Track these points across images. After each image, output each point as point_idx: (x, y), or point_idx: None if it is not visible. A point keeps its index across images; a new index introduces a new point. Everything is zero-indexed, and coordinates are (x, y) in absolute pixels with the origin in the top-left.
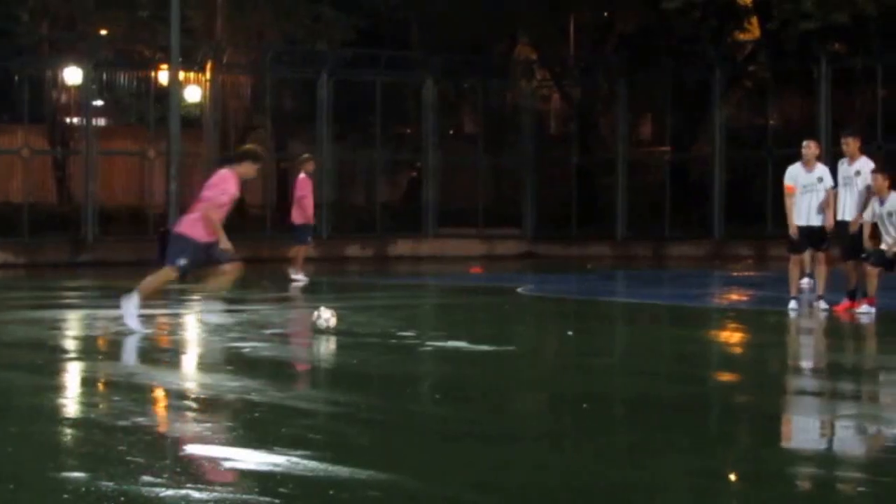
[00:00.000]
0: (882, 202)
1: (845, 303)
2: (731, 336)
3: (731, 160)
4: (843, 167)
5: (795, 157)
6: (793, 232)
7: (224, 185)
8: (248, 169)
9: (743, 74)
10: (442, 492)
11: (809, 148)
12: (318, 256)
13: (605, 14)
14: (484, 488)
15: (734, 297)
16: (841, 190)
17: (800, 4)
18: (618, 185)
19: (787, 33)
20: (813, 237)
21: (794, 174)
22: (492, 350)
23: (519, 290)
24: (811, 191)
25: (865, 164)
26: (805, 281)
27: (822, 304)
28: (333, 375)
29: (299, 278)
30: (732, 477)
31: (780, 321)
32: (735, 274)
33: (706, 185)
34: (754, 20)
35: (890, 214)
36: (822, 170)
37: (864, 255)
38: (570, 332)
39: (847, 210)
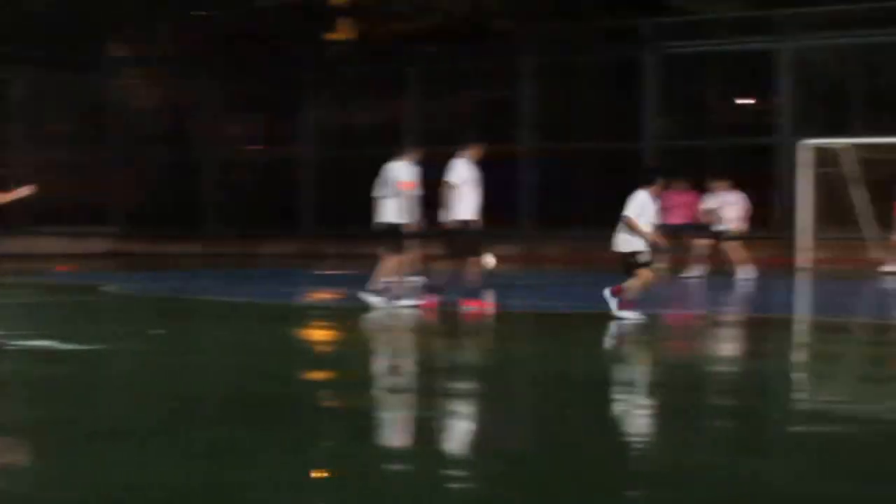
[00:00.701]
0: None
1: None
2: (321, 333)
3: (324, 160)
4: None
5: (387, 156)
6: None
7: None
8: None
9: (335, 75)
10: (40, 493)
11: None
12: None
13: (202, 13)
14: (75, 486)
15: (324, 294)
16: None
17: (392, 6)
18: (211, 183)
19: (378, 34)
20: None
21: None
22: (80, 349)
23: (106, 288)
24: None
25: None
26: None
27: (403, 302)
28: None
29: None
30: (325, 473)
31: (367, 318)
32: (326, 272)
33: (299, 184)
34: (347, 21)
35: None
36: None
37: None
38: (160, 331)
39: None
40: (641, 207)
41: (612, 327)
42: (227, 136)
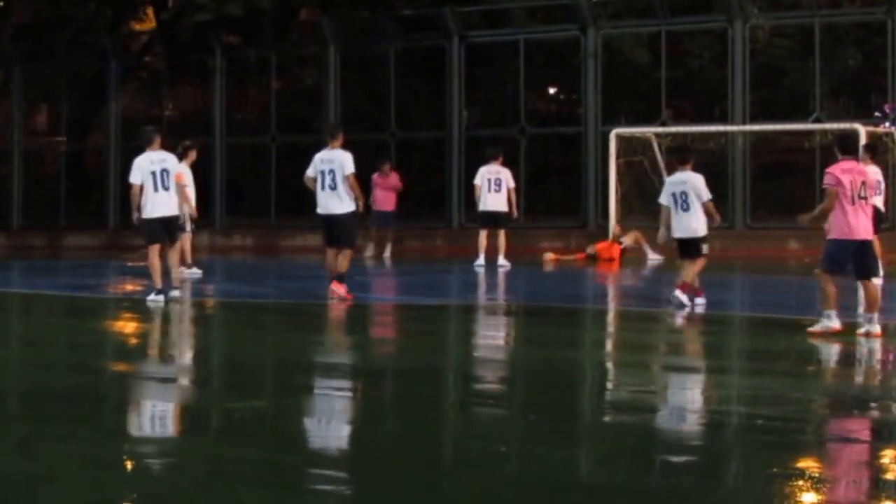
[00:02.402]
0: None
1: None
2: (126, 325)
3: (126, 151)
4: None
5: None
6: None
7: None
8: None
9: (139, 65)
10: None
11: None
12: None
13: (1, 3)
14: None
15: (128, 287)
16: None
17: None
18: (14, 175)
19: (181, 24)
20: None
21: None
22: None
23: None
24: None
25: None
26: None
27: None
28: None
29: None
30: (127, 464)
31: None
32: (130, 264)
33: (102, 176)
34: (150, 11)
35: None
36: None
37: None
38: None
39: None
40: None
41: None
42: (30, 127)
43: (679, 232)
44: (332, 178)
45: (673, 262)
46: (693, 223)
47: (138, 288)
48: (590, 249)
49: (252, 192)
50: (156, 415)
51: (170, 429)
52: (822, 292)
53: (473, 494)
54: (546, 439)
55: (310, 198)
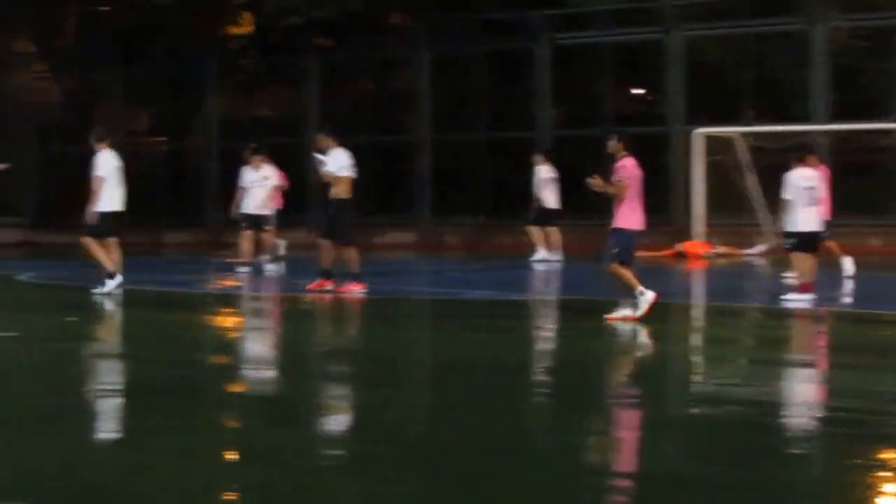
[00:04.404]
0: None
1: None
2: (224, 320)
3: (225, 151)
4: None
5: (290, 147)
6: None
7: None
8: None
9: (235, 68)
10: None
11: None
12: None
13: (102, 8)
14: None
15: (226, 282)
16: None
17: (288, 0)
18: None
19: (275, 27)
20: None
21: None
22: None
23: (20, 277)
24: None
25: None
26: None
27: None
28: None
29: None
30: (230, 456)
31: (274, 307)
32: (229, 261)
33: (200, 175)
34: (247, 15)
35: None
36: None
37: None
38: (72, 319)
39: None
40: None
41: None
42: (131, 129)
43: (807, 225)
44: None
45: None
46: (818, 217)
47: (236, 283)
48: (678, 247)
49: None
50: (257, 407)
51: (270, 420)
52: None
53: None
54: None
55: (402, 195)
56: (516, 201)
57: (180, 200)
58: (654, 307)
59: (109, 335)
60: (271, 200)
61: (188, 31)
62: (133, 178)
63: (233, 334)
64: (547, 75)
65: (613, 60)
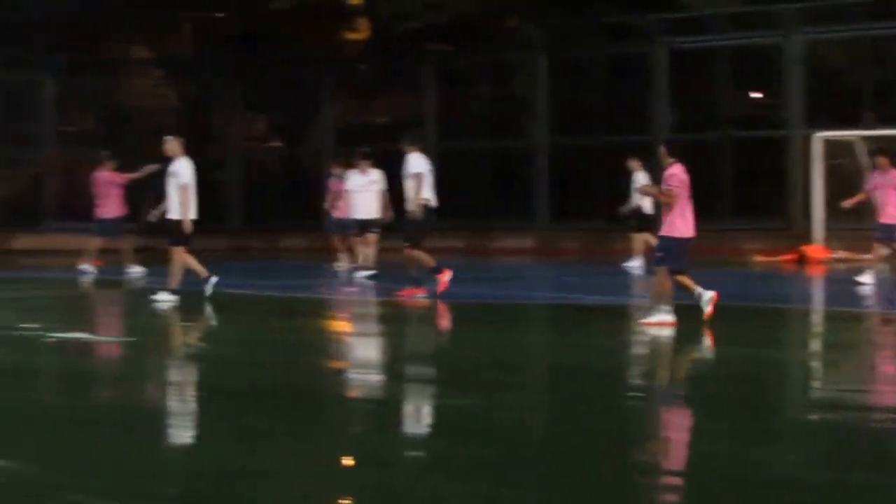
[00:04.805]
0: None
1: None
2: (338, 325)
3: (340, 156)
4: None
5: (399, 154)
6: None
7: None
8: None
9: (351, 73)
10: (59, 478)
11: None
12: None
13: (217, 14)
14: (97, 474)
15: (346, 287)
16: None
17: (402, 5)
18: (233, 179)
19: (392, 33)
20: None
21: None
22: (113, 341)
23: (140, 283)
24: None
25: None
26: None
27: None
28: None
29: None
30: (346, 461)
31: (401, 311)
32: (346, 266)
33: (317, 180)
34: (362, 20)
35: None
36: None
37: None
38: (188, 324)
39: None
40: None
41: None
42: (247, 135)
43: None
44: None
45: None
46: None
47: (353, 288)
48: (796, 252)
49: (463, 197)
50: (372, 411)
51: (386, 425)
52: None
53: None
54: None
55: (519, 201)
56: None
57: (297, 205)
58: (759, 312)
59: (223, 339)
60: (384, 206)
61: (304, 38)
62: (250, 184)
63: (347, 339)
64: (664, 79)
65: (731, 64)
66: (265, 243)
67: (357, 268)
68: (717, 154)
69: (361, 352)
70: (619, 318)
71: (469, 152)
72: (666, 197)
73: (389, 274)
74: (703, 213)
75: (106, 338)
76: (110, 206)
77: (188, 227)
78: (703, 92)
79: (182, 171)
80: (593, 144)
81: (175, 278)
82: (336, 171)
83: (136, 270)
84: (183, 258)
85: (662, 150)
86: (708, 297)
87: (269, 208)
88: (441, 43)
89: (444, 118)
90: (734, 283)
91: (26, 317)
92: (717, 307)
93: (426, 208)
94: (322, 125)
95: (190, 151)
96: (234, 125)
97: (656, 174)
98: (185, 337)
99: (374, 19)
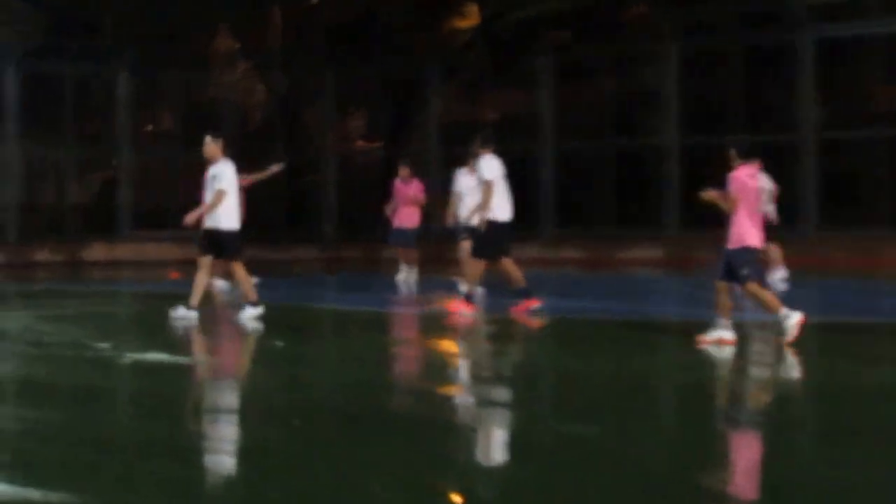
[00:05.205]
0: None
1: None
2: (441, 343)
3: (446, 156)
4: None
5: (515, 153)
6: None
7: None
8: None
9: (459, 65)
10: None
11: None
12: (5, 262)
13: (311, 3)
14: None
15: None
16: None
17: None
18: (327, 183)
19: (504, 21)
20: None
21: None
22: (193, 362)
23: (222, 296)
24: None
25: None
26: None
27: None
28: (21, 390)
29: None
30: (455, 498)
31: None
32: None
33: (424, 183)
34: (472, 8)
35: None
36: None
37: None
38: (279, 343)
39: None
40: None
41: None
42: (343, 134)
43: None
44: None
45: None
46: None
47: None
48: None
49: (584, 203)
50: (475, 439)
51: (491, 453)
52: None
53: None
54: None
55: (647, 206)
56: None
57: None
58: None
59: (322, 359)
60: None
61: (405, 27)
62: (346, 188)
63: (457, 358)
64: (811, 71)
65: (888, 54)
66: (361, 253)
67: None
68: (869, 154)
69: (476, 372)
70: (761, 337)
71: (590, 153)
72: (726, 202)
73: (498, 288)
74: (856, 219)
75: (190, 358)
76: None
77: (231, 237)
78: (854, 85)
79: (223, 175)
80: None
81: (247, 289)
82: (403, 173)
83: (221, 284)
84: (233, 272)
85: (732, 152)
86: (795, 319)
87: (366, 215)
88: (559, 32)
89: (563, 116)
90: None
91: (100, 335)
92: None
93: (493, 224)
94: (426, 123)
95: (279, 153)
96: (328, 123)
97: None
98: (275, 357)
99: (485, 5)
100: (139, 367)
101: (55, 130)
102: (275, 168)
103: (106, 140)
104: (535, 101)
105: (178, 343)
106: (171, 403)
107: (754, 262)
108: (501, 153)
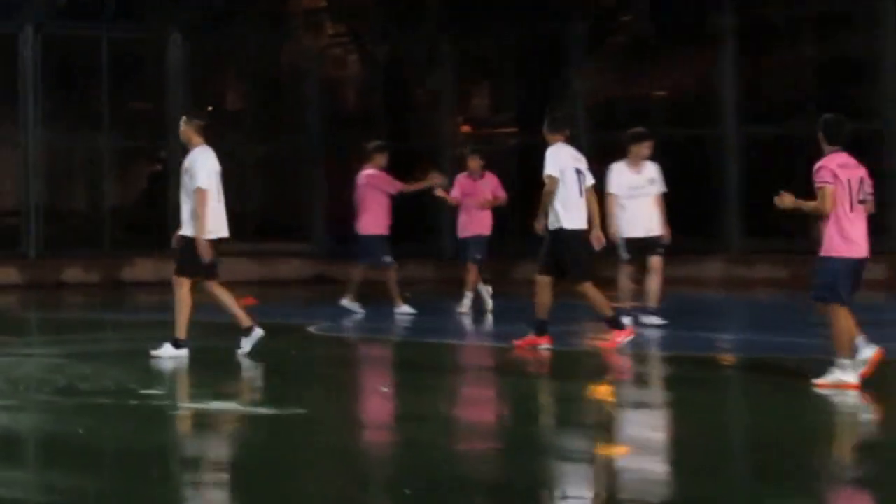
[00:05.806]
0: None
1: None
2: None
3: (597, 142)
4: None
5: (687, 139)
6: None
7: None
8: None
9: (614, 30)
10: None
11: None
12: (23, 282)
13: None
14: None
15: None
16: None
17: None
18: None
19: None
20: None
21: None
22: (273, 414)
23: (310, 328)
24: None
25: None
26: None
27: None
28: (50, 450)
29: None
30: None
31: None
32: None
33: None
34: None
35: None
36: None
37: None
38: (384, 388)
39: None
40: None
41: None
42: (465, 114)
43: None
44: None
45: None
46: None
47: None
48: None
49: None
50: None
51: None
52: None
53: None
54: None
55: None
56: None
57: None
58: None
59: (438, 408)
60: (662, 215)
61: None
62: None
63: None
64: None
65: None
66: (489, 273)
67: (634, 308)
68: None
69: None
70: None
71: (789, 138)
72: (815, 202)
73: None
74: None
75: (263, 409)
76: (370, 221)
77: (204, 250)
78: None
79: (197, 168)
80: None
81: (237, 314)
82: (473, 165)
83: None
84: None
85: (820, 135)
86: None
87: (495, 225)
88: None
89: (750, 94)
90: None
91: (149, 378)
92: None
93: (557, 232)
94: (571, 102)
95: (382, 136)
96: (446, 101)
97: None
98: (372, 408)
99: None
100: (200, 420)
101: (87, 113)
102: (436, 179)
103: (153, 125)
104: (714, 74)
105: (249, 386)
106: (245, 466)
107: (837, 277)
108: (672, 142)
